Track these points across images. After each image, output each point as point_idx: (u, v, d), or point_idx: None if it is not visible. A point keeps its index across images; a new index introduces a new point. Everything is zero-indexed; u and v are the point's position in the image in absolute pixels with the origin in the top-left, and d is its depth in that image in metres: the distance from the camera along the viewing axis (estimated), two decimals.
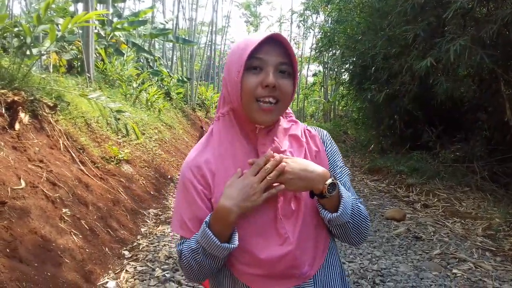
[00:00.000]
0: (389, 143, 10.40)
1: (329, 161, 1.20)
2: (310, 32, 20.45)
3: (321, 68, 22.36)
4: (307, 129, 1.23)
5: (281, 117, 1.17)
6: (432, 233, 4.78)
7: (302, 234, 1.07)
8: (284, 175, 1.02)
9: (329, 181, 1.03)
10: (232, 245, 1.01)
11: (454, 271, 3.71)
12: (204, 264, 1.05)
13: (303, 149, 1.16)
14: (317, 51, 15.72)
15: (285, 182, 1.02)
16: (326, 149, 1.22)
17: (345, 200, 1.06)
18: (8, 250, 2.55)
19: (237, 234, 1.03)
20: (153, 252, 3.88)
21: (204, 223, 1.03)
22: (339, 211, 1.04)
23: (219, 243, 1.00)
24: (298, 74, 1.15)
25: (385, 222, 5.21)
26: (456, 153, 7.75)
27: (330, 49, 12.89)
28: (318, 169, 1.04)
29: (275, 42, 1.06)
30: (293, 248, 1.04)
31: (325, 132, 1.28)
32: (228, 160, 1.11)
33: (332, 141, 1.27)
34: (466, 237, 4.66)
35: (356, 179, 8.19)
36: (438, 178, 7.09)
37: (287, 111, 1.21)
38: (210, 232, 1.01)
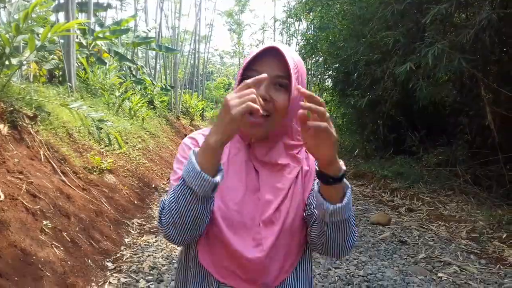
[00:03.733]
0: (373, 148, 10.48)
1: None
2: (293, 40, 20.57)
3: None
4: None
5: (290, 134, 1.15)
6: (417, 237, 4.80)
7: (276, 245, 1.06)
8: (327, 121, 0.90)
9: (344, 167, 0.97)
10: (213, 179, 0.94)
11: (440, 274, 3.73)
12: (185, 208, 0.97)
13: (298, 168, 1.14)
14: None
15: (325, 128, 0.88)
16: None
17: (350, 193, 1.00)
18: None
19: (223, 172, 0.98)
20: (137, 263, 3.82)
21: (191, 151, 0.99)
22: (344, 202, 0.98)
23: (198, 169, 0.93)
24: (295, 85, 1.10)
25: (370, 227, 5.23)
26: (439, 156, 7.83)
27: (313, 56, 12.98)
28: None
29: (274, 53, 1.05)
30: (263, 255, 1.03)
31: None
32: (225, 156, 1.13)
33: None
34: (451, 240, 4.69)
35: None
36: (422, 182, 7.16)
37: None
38: (193, 157, 0.96)
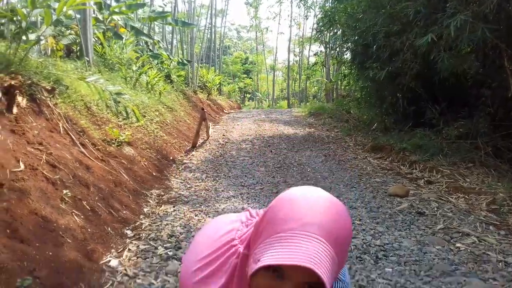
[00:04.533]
0: (392, 121, 10.32)
1: None
2: (310, 12, 20.23)
3: (322, 48, 22.17)
4: None
5: None
6: (435, 209, 4.76)
7: None
8: None
9: None
10: None
11: (458, 245, 3.70)
12: None
13: None
14: (318, 31, 15.55)
15: None
16: None
17: None
18: (8, 231, 2.54)
19: None
20: (156, 231, 3.89)
21: None
22: None
23: None
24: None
25: (388, 199, 5.20)
26: (460, 129, 7.67)
27: (331, 28, 12.73)
28: None
29: None
30: None
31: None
32: None
33: None
34: (470, 212, 4.64)
35: (359, 157, 8.15)
36: (442, 154, 7.04)
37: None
38: None
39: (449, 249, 3.62)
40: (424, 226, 4.22)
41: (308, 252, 0.81)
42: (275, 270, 0.84)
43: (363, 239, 3.83)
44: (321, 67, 24.31)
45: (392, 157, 7.76)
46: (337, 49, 14.12)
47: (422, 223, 4.31)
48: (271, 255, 0.82)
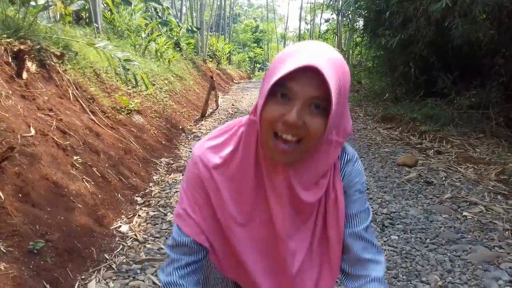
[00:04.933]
0: (403, 91, 10.20)
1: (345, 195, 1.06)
2: None
3: (334, 15, 21.72)
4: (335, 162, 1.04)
5: (325, 146, 0.99)
6: (443, 178, 4.75)
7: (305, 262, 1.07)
8: None
9: None
10: None
11: (465, 213, 3.71)
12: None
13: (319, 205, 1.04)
14: None
15: None
16: (345, 186, 1.06)
17: None
18: (20, 195, 2.59)
19: None
20: (165, 198, 3.95)
21: None
22: None
23: None
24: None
25: (396, 168, 5.19)
26: (472, 99, 7.58)
27: None
28: None
29: (311, 70, 0.83)
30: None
31: (351, 156, 1.09)
32: (234, 183, 1.03)
33: (358, 173, 1.08)
34: (478, 181, 4.63)
35: (369, 127, 8.11)
36: (452, 124, 6.98)
37: (339, 139, 1.00)
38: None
39: (456, 217, 3.63)
40: (431, 195, 4.22)
41: (311, 56, 0.84)
42: (282, 95, 0.86)
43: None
44: (332, 35, 23.90)
45: (402, 127, 7.72)
46: (350, 16, 13.86)
47: (430, 192, 4.32)
48: (275, 77, 0.84)
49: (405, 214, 3.70)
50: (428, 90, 8.62)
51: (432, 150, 6.07)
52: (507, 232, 3.33)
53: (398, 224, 3.50)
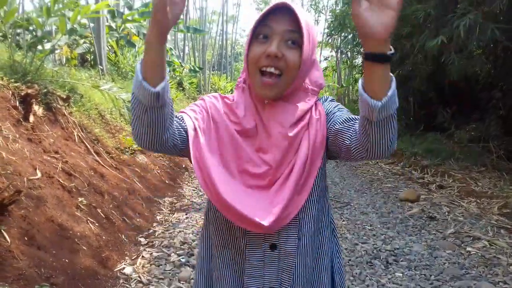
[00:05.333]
0: (403, 125, 10.30)
1: (327, 115, 1.15)
2: (321, 16, 20.28)
3: (333, 53, 22.17)
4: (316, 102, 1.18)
5: (302, 92, 1.14)
6: (446, 213, 4.76)
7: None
8: None
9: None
10: (153, 89, 0.91)
11: (468, 249, 3.70)
12: (138, 116, 0.97)
13: (306, 134, 1.11)
14: (328, 35, 15.60)
15: None
16: (326, 111, 1.16)
17: (394, 83, 0.89)
18: (26, 238, 2.63)
19: (166, 82, 0.95)
20: (169, 238, 3.95)
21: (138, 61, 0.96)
22: (390, 90, 0.87)
23: (140, 77, 0.92)
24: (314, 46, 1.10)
25: (399, 204, 5.21)
26: (472, 132, 7.66)
27: (341, 32, 12.78)
28: None
29: (285, 10, 1.05)
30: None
31: (328, 97, 1.25)
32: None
33: (332, 101, 1.22)
34: (481, 216, 4.63)
35: (371, 162, 8.16)
36: (454, 158, 7.03)
37: (314, 88, 1.15)
38: (139, 65, 0.94)
39: (460, 253, 3.63)
40: (435, 230, 4.22)
41: (284, 4, 1.06)
42: (264, 37, 1.06)
43: (373, 244, 3.85)
44: (332, 72, 24.29)
45: (403, 162, 7.76)
46: (348, 53, 14.15)
47: (433, 227, 4.32)
48: (256, 19, 1.07)
49: (409, 251, 3.70)
50: (428, 124, 8.73)
51: (434, 185, 6.09)
52: (511, 267, 3.31)
53: (402, 260, 3.50)
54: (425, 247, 3.77)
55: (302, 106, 1.12)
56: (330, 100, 1.22)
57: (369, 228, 4.33)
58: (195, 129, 1.08)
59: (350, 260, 3.51)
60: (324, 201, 1.20)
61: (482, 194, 5.33)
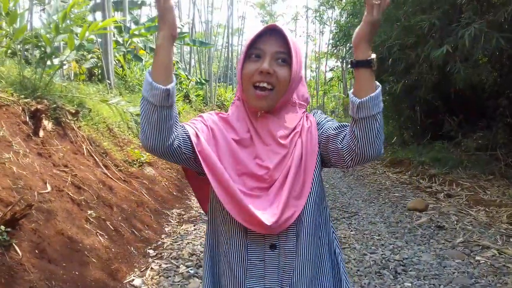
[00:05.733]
0: (410, 134, 10.31)
1: (318, 124, 1.25)
2: (325, 28, 20.38)
3: (338, 63, 22.25)
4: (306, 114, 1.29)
5: (291, 106, 1.24)
6: (455, 222, 4.74)
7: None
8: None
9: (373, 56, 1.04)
10: (163, 87, 1.02)
11: (478, 258, 3.69)
12: (147, 117, 1.05)
13: (299, 141, 1.21)
14: (333, 46, 15.67)
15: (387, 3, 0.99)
16: (317, 121, 1.26)
17: (379, 90, 1.04)
18: (36, 251, 2.66)
19: (174, 82, 1.07)
20: (177, 250, 3.97)
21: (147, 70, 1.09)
22: (373, 93, 1.02)
23: (150, 80, 1.04)
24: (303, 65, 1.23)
25: (407, 213, 5.19)
26: (479, 141, 7.64)
27: (346, 43, 12.83)
28: None
29: (275, 33, 1.17)
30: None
31: (318, 110, 1.36)
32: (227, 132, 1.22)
33: (322, 114, 1.33)
34: (490, 224, 4.61)
35: (378, 172, 8.15)
36: (461, 167, 7.01)
37: (301, 102, 1.27)
38: (148, 73, 1.06)
39: (469, 262, 3.61)
40: (443, 240, 4.21)
41: (268, 25, 1.17)
42: (256, 56, 1.16)
43: (382, 254, 3.84)
44: (338, 82, 24.37)
45: (411, 171, 7.74)
46: None
47: (442, 237, 4.30)
48: (248, 41, 1.17)
49: (418, 260, 3.68)
50: (435, 133, 8.72)
51: (442, 194, 6.07)
52: None
53: (411, 270, 3.49)
54: (434, 257, 3.76)
55: (293, 116, 1.23)
56: (320, 113, 1.33)
57: (378, 238, 4.32)
58: (197, 135, 1.16)
59: (358, 270, 3.50)
60: (322, 204, 1.26)
61: (490, 203, 5.31)
